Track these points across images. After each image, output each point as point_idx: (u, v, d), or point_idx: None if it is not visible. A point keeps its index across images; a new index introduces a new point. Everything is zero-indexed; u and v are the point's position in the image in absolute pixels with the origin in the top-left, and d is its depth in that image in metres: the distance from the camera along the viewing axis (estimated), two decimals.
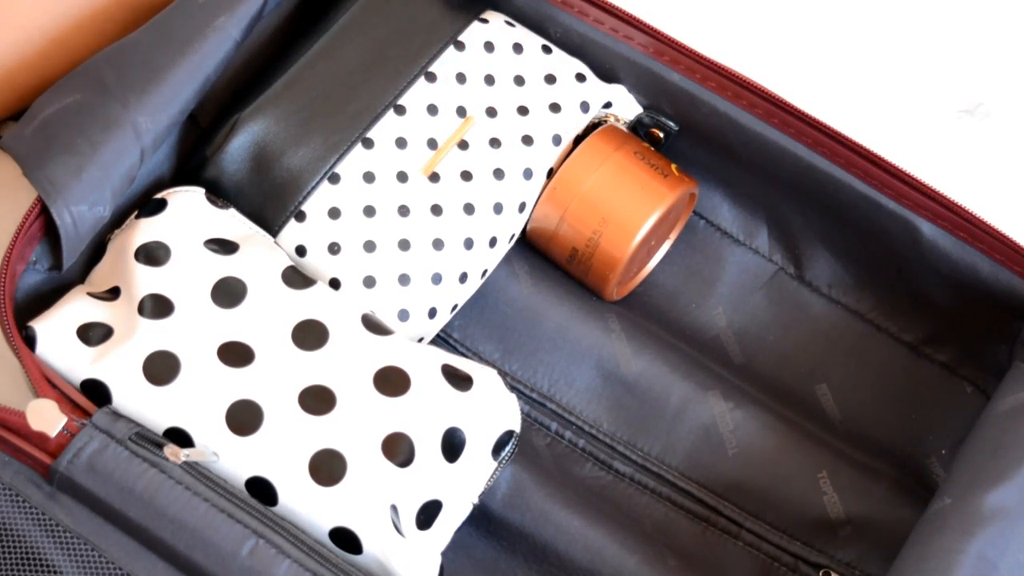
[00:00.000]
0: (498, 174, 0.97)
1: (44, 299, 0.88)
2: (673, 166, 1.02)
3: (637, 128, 1.04)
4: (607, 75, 1.03)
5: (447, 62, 1.00)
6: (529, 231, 1.01)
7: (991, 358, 0.99)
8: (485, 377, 0.88)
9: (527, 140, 0.99)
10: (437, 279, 0.95)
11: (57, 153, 0.85)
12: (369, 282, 0.93)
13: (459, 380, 0.87)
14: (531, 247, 1.03)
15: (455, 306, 0.97)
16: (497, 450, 0.87)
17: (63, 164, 0.85)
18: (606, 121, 1.02)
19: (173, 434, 0.83)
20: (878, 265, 1.02)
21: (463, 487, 0.86)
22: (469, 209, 0.96)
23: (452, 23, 1.01)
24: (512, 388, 0.97)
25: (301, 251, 0.94)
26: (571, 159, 1.00)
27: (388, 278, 0.93)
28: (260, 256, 0.90)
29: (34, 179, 0.84)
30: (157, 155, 0.94)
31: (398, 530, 0.83)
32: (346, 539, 0.82)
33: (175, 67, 0.90)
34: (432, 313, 0.95)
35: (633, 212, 0.99)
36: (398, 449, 0.83)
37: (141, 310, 0.85)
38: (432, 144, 0.97)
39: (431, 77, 0.99)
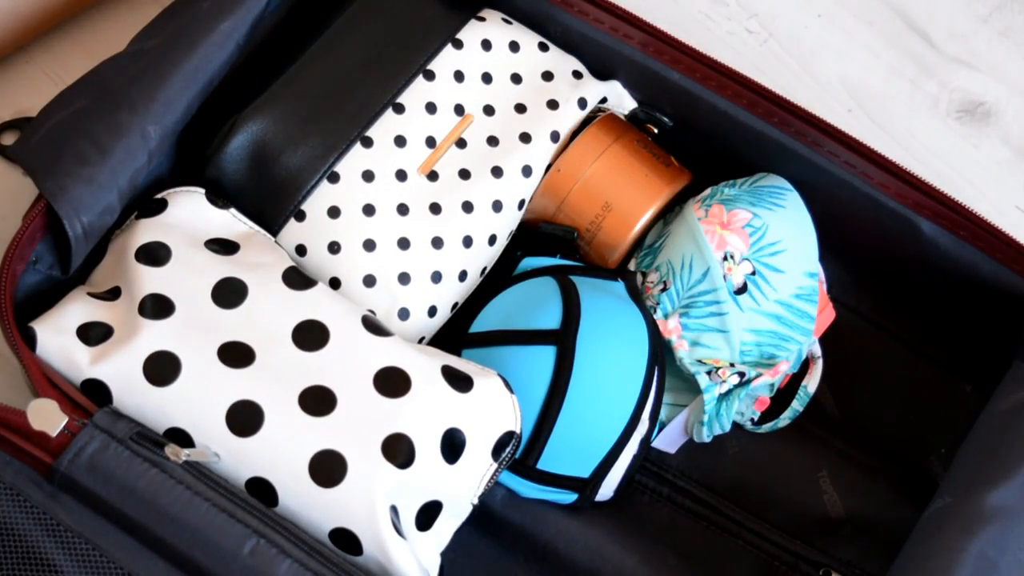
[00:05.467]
0: (496, 172, 0.97)
1: (44, 299, 0.88)
2: (671, 158, 1.02)
3: (632, 123, 1.04)
4: (607, 74, 1.03)
5: (445, 60, 1.00)
6: (528, 213, 1.00)
7: (991, 358, 0.99)
8: (485, 378, 0.88)
9: (525, 138, 0.99)
10: (437, 277, 0.95)
11: (68, 163, 0.85)
12: (369, 281, 0.93)
13: (459, 381, 0.87)
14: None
15: (455, 304, 0.97)
16: (497, 451, 0.87)
17: (74, 174, 0.85)
18: (605, 112, 1.02)
19: (173, 434, 0.83)
20: (878, 264, 1.02)
21: (463, 488, 0.86)
22: (468, 207, 0.96)
23: (449, 21, 1.01)
24: None
25: (301, 250, 0.94)
26: (574, 145, 1.00)
27: (388, 277, 0.93)
28: (261, 256, 0.90)
29: (45, 190, 0.85)
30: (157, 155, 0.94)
31: (398, 531, 0.83)
32: (346, 540, 0.82)
33: (181, 71, 0.90)
34: (432, 312, 0.95)
35: (638, 197, 0.99)
36: (398, 450, 0.83)
37: (142, 310, 0.85)
38: (431, 142, 0.97)
39: (429, 75, 0.99)
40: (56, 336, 0.84)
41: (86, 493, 0.79)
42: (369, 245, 0.93)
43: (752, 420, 1.00)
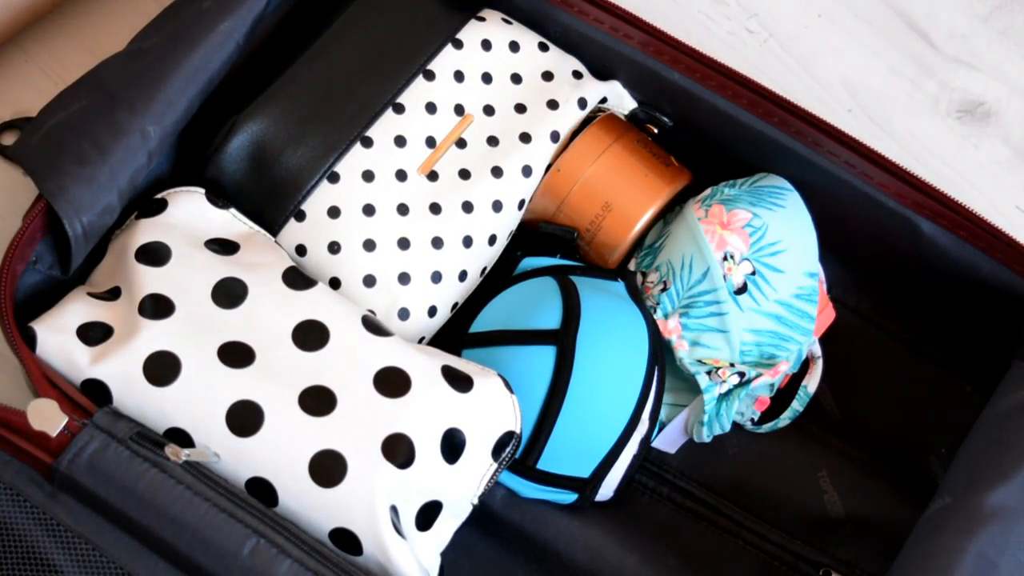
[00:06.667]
0: (496, 172, 0.97)
1: (44, 299, 0.88)
2: (671, 158, 1.02)
3: (632, 123, 1.04)
4: (607, 74, 1.03)
5: (445, 60, 1.00)
6: (528, 213, 1.01)
7: (991, 358, 0.99)
8: (485, 378, 0.88)
9: (525, 138, 0.99)
10: (437, 278, 0.95)
11: (67, 163, 0.85)
12: (369, 281, 0.93)
13: (459, 381, 0.87)
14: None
15: (455, 304, 0.97)
16: (497, 451, 0.87)
17: (74, 174, 0.85)
18: (605, 112, 1.02)
19: (173, 434, 0.83)
20: (878, 264, 1.02)
21: (463, 488, 0.86)
22: (468, 207, 0.96)
23: (450, 21, 1.01)
24: None
25: (301, 250, 0.94)
26: (574, 145, 1.00)
27: (388, 277, 0.93)
28: (261, 256, 0.90)
29: (45, 190, 0.85)
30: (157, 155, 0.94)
31: (398, 531, 0.83)
32: (346, 540, 0.82)
33: (181, 71, 0.90)
34: (432, 312, 0.95)
35: (638, 197, 0.99)
36: (398, 450, 0.83)
37: (141, 310, 0.85)
38: (431, 142, 0.97)
39: (429, 75, 0.99)
40: (56, 336, 0.84)
41: (86, 493, 0.79)
42: (369, 245, 0.93)
43: (752, 420, 1.00)
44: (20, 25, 1.06)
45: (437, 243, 0.95)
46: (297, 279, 0.89)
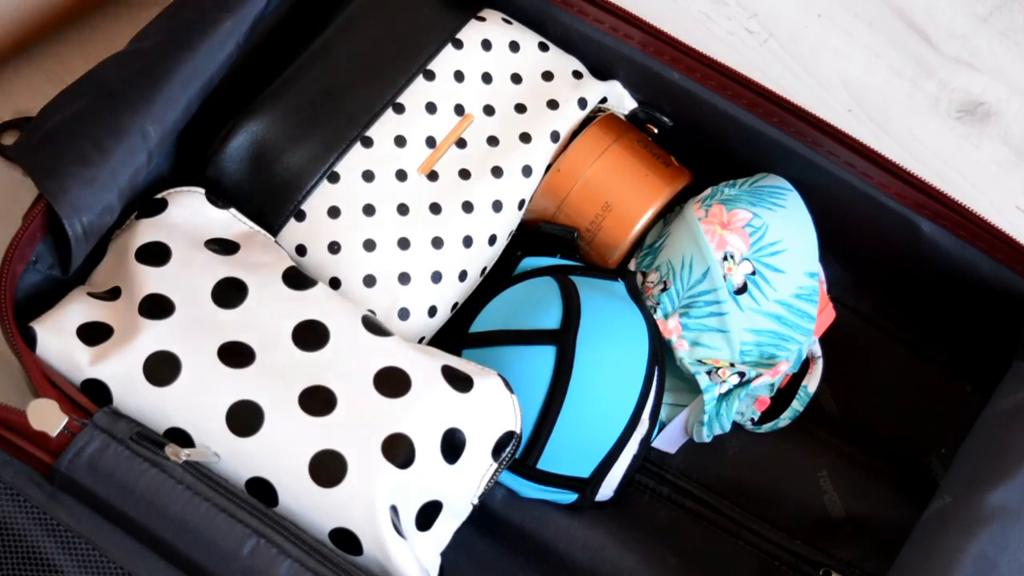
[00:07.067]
0: (496, 172, 0.97)
1: (44, 299, 0.88)
2: (671, 158, 1.02)
3: (632, 123, 1.04)
4: (607, 74, 1.03)
5: (445, 60, 1.00)
6: (528, 213, 1.01)
7: (991, 358, 0.99)
8: (485, 378, 0.88)
9: (525, 138, 0.99)
10: (437, 278, 0.95)
11: (68, 163, 0.85)
12: (369, 281, 0.93)
13: (459, 381, 0.87)
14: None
15: (455, 304, 0.97)
16: (497, 451, 0.87)
17: (75, 175, 0.85)
18: (604, 111, 1.02)
19: (173, 434, 0.83)
20: (878, 264, 1.02)
21: (463, 488, 0.86)
22: (468, 207, 0.96)
23: (450, 21, 1.01)
24: None
25: (301, 250, 0.94)
26: (574, 145, 1.00)
27: (388, 277, 0.93)
28: (261, 256, 0.90)
29: (46, 190, 0.85)
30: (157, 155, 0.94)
31: (398, 531, 0.83)
32: (346, 540, 0.82)
33: (181, 71, 0.90)
34: (432, 312, 0.95)
35: (638, 197, 0.99)
36: (398, 450, 0.83)
37: (141, 310, 0.85)
38: (431, 142, 0.97)
39: (429, 75, 0.99)
40: (56, 336, 0.84)
41: (86, 493, 0.79)
42: (369, 245, 0.93)
43: (752, 420, 1.00)
44: (32, 38, 1.07)
45: (437, 243, 0.95)
46: (297, 279, 0.89)
